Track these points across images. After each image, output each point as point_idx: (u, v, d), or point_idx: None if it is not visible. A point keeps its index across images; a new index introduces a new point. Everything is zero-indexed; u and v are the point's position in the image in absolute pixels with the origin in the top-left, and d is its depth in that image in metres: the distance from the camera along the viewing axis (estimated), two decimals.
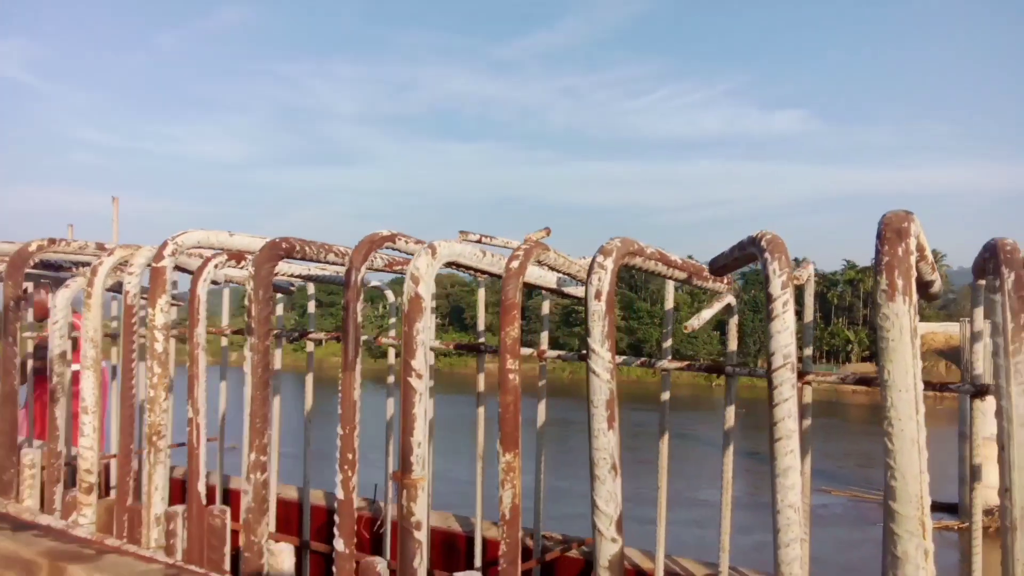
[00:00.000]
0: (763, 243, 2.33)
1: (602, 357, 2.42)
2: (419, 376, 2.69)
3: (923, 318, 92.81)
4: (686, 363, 3.60)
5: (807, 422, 3.11)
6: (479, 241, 3.74)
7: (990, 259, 2.05)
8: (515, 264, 2.87)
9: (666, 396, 3.76)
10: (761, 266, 2.31)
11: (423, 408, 2.73)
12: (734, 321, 3.61)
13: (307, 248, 3.28)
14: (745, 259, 2.73)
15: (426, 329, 2.77)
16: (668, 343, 3.81)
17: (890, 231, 1.87)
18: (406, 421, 2.72)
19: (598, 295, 2.47)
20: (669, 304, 3.87)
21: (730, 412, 3.56)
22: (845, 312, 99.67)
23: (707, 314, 3.33)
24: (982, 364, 2.82)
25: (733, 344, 3.59)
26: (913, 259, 1.87)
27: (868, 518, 28.78)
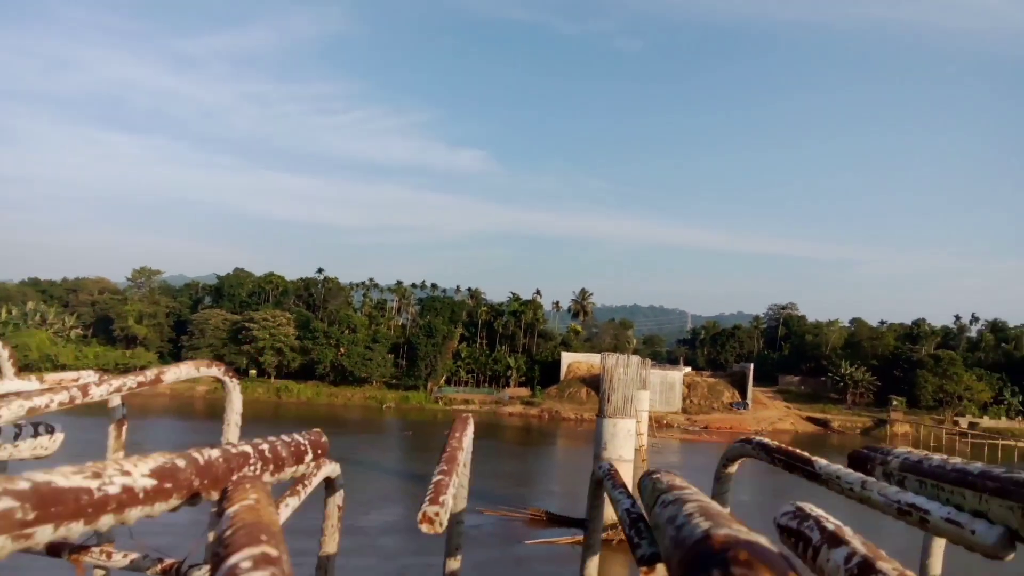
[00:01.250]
0: None
1: None
2: None
3: (571, 348, 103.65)
4: None
5: None
6: None
7: None
8: None
9: None
10: None
11: None
12: None
13: None
14: None
15: None
16: None
17: None
18: None
19: None
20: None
21: None
22: (508, 340, 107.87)
23: None
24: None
25: None
26: None
27: (515, 535, 31.00)
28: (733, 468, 2.10)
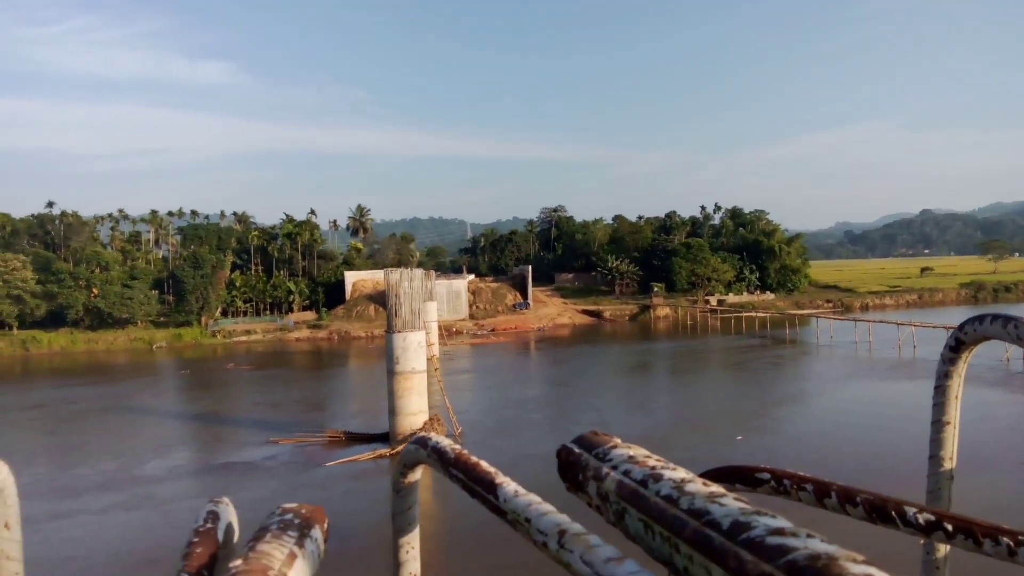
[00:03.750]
0: None
1: None
2: None
3: (354, 267, 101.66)
4: None
5: None
6: None
7: None
8: None
9: None
10: None
11: None
12: None
13: None
14: None
15: None
16: None
17: None
18: None
19: None
20: None
21: None
22: (286, 264, 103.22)
23: None
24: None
25: None
26: None
27: (315, 459, 30.27)
28: (415, 475, 1.51)
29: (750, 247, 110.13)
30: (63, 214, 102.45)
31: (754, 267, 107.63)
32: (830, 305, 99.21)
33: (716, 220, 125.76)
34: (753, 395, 42.16)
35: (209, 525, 1.02)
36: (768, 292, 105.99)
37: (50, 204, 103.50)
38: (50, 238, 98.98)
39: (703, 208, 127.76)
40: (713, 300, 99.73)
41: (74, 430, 39.01)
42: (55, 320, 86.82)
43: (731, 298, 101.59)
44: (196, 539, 0.95)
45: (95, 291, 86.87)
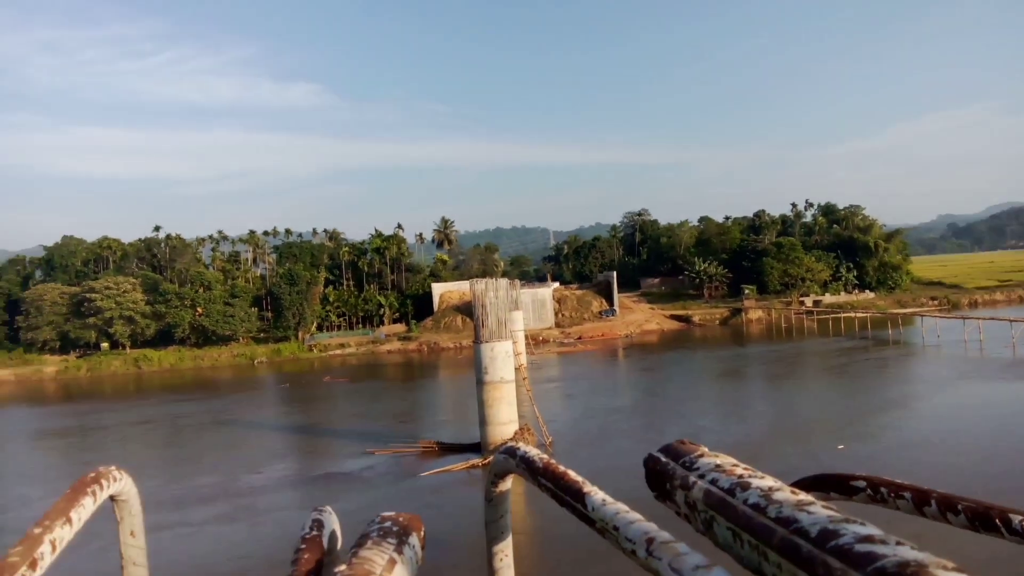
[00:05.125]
0: None
1: None
2: None
3: (440, 279, 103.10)
4: None
5: None
6: None
7: None
8: None
9: None
10: None
11: None
12: None
13: None
14: None
15: None
16: None
17: None
18: None
19: None
20: None
21: None
22: (375, 278, 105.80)
23: None
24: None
25: None
26: None
27: (411, 470, 30.78)
28: (506, 485, 1.53)
29: (845, 244, 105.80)
30: (168, 237, 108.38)
31: (851, 265, 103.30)
32: (935, 303, 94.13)
33: (808, 217, 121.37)
34: (855, 400, 40.37)
35: (315, 532, 1.07)
36: (867, 291, 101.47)
37: (156, 228, 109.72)
38: (156, 260, 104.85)
39: (794, 205, 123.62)
40: (808, 301, 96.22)
41: (181, 443, 41.04)
42: (164, 338, 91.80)
43: (827, 298, 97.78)
44: (303, 546, 1.00)
45: (199, 310, 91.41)
